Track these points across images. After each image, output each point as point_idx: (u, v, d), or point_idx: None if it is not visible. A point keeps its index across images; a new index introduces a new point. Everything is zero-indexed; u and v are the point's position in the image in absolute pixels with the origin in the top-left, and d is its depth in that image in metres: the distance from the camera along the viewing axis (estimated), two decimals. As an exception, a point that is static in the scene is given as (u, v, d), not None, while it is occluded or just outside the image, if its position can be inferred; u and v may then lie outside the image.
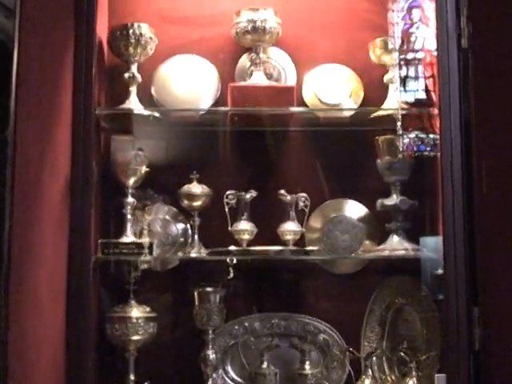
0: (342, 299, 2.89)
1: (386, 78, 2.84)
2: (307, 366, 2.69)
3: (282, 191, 2.79)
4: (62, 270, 2.49)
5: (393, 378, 2.75)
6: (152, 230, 2.86)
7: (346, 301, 2.89)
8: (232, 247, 2.74)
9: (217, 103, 2.89)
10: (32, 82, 2.19)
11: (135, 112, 2.79)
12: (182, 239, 2.85)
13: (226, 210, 2.76)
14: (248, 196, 2.78)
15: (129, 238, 2.76)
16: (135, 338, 2.69)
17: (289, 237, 2.77)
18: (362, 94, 2.91)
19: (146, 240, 2.74)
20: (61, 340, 2.46)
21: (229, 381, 2.81)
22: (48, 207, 2.35)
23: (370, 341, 2.82)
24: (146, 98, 2.90)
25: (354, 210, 2.90)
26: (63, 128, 2.52)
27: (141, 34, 2.79)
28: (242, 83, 2.85)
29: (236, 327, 2.83)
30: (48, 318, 2.31)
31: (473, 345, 2.50)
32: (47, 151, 2.34)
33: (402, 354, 2.67)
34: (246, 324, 2.83)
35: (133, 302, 2.74)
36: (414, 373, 2.63)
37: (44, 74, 2.33)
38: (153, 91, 2.92)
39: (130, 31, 2.78)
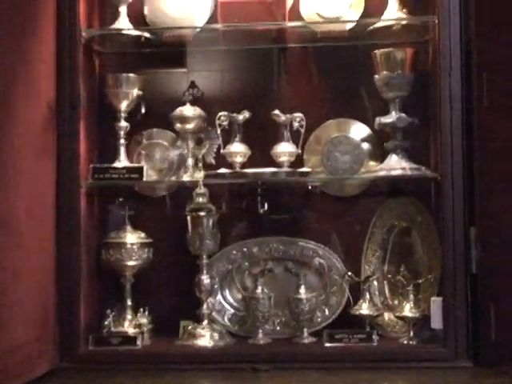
0: (343, 222, 2.80)
1: (385, -13, 2.67)
2: (302, 291, 2.62)
3: (276, 111, 2.68)
4: (47, 195, 2.48)
5: (395, 302, 2.66)
6: (149, 155, 2.80)
7: (347, 224, 2.80)
8: (222, 170, 2.66)
9: (211, 21, 2.76)
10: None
11: (124, 32, 2.70)
12: (178, 164, 2.78)
13: (218, 131, 2.68)
14: (241, 117, 2.69)
15: (121, 163, 2.71)
16: (130, 263, 2.67)
17: (283, 158, 2.67)
18: (362, 6, 2.74)
19: (136, 165, 2.69)
20: (49, 268, 2.47)
21: (227, 305, 2.77)
22: (26, 130, 2.31)
23: (372, 265, 2.73)
24: (139, 19, 2.81)
25: (355, 129, 2.78)
26: (44, 48, 2.46)
27: None
28: (233, -1, 2.72)
29: (234, 252, 2.78)
30: (28, 244, 2.29)
31: (470, 267, 2.40)
32: (20, 71, 2.28)
33: (400, 277, 2.56)
34: (244, 249, 2.77)
35: (128, 227, 2.71)
36: (411, 296, 2.53)
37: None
38: (145, 11, 2.82)
39: None
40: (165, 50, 2.80)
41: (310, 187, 2.75)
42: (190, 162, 2.74)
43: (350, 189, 2.81)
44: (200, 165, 2.67)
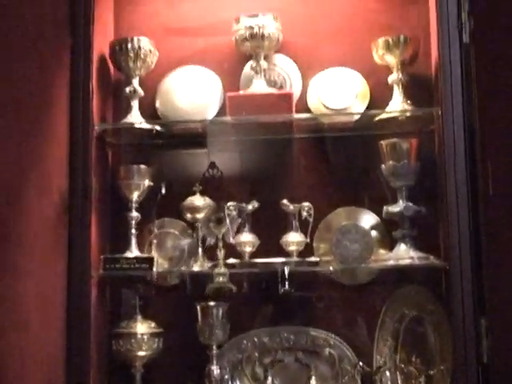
0: (354, 311, 2.79)
1: (390, 79, 2.73)
2: (313, 382, 2.60)
3: (285, 201, 2.71)
4: (58, 286, 2.50)
5: (409, 393, 2.63)
6: (160, 244, 2.84)
7: (358, 313, 2.78)
8: (231, 260, 2.68)
9: (221, 113, 2.84)
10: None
11: (136, 126, 2.78)
12: (188, 253, 2.81)
13: (227, 221, 2.71)
14: (250, 207, 2.73)
15: (133, 253, 2.75)
16: (141, 353, 2.67)
17: (292, 247, 2.70)
18: (368, 97, 2.80)
19: (147, 255, 2.73)
20: (58, 359, 2.47)
21: (238, 396, 2.76)
22: (38, 224, 2.36)
23: (383, 354, 2.70)
24: (151, 112, 2.90)
25: (364, 217, 2.80)
26: (57, 141, 2.53)
27: (139, 47, 2.77)
28: (241, 92, 2.80)
29: (244, 341, 2.77)
30: (38, 335, 2.31)
31: (481, 357, 2.37)
32: (33, 167, 2.35)
33: (412, 368, 2.53)
34: (255, 339, 2.76)
35: (138, 317, 2.72)
36: (423, 388, 2.50)
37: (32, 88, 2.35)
38: (157, 104, 2.91)
39: (129, 45, 2.77)
40: (176, 141, 2.87)
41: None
42: (200, 251, 2.76)
43: (360, 277, 2.81)
44: (220, 244, 2.70)
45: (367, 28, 2.86)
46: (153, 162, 2.86)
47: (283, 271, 2.67)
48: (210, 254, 2.76)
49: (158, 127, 2.78)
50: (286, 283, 2.67)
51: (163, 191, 2.83)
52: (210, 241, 2.76)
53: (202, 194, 2.78)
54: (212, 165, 2.86)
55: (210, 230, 2.74)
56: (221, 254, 2.68)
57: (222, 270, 2.64)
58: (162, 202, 2.85)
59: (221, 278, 2.64)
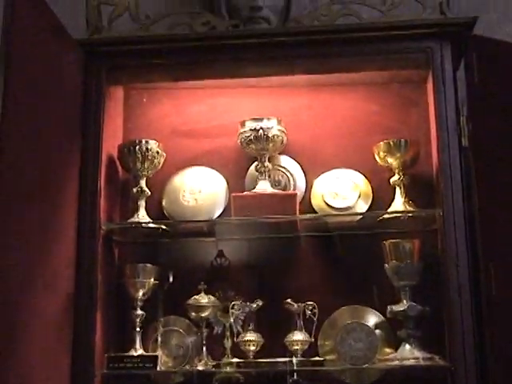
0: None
1: (392, 181, 2.79)
2: None
3: (289, 300, 2.73)
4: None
5: None
6: (165, 342, 2.84)
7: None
8: (235, 359, 2.68)
9: (226, 213, 2.89)
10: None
11: (144, 226, 2.83)
12: (193, 351, 2.81)
13: (232, 320, 2.72)
14: (254, 305, 2.74)
15: (137, 351, 2.75)
16: None
17: (296, 347, 2.70)
18: (371, 196, 2.87)
19: (151, 353, 2.73)
20: None
21: None
22: (42, 320, 2.37)
23: None
24: (158, 210, 2.96)
25: (369, 316, 2.81)
26: (64, 241, 2.57)
27: (147, 149, 2.86)
28: (245, 193, 2.86)
29: None
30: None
31: None
32: (40, 264, 2.38)
33: None
34: None
35: (142, 420, 2.70)
36: None
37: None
38: (164, 203, 2.97)
39: (137, 147, 2.86)
40: (182, 240, 2.92)
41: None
42: (205, 350, 2.76)
43: (365, 376, 2.79)
44: (228, 334, 2.71)
45: (369, 130, 2.95)
46: (159, 259, 2.90)
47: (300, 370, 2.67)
48: (217, 347, 2.77)
49: (164, 226, 2.83)
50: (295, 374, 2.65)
51: (170, 280, 2.84)
52: (218, 329, 2.76)
53: (207, 290, 2.80)
54: (220, 253, 2.91)
55: (218, 320, 2.75)
56: (228, 343, 2.70)
57: (230, 359, 2.67)
58: (168, 299, 2.86)
59: (228, 368, 2.66)
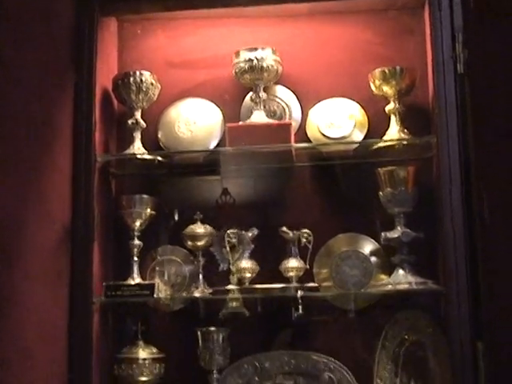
0: (354, 335, 2.81)
1: (387, 109, 2.79)
2: (313, 406, 2.62)
3: (284, 228, 2.76)
4: (59, 314, 2.54)
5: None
6: (162, 271, 2.88)
7: (358, 337, 2.80)
8: (230, 286, 2.72)
9: (221, 144, 2.90)
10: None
11: (138, 157, 2.84)
12: (190, 280, 2.85)
13: (227, 248, 2.75)
14: (249, 234, 2.77)
15: (135, 280, 2.79)
16: (142, 379, 2.71)
17: (291, 273, 2.73)
18: (366, 126, 2.86)
19: (148, 281, 2.77)
20: (61, 382, 2.51)
21: (239, 423, 2.77)
22: (39, 251, 2.41)
23: (384, 378, 2.71)
24: (154, 143, 2.96)
25: (364, 243, 2.84)
26: (59, 171, 2.59)
27: (141, 80, 2.85)
28: (240, 123, 2.86)
29: (245, 366, 2.79)
30: (40, 360, 2.34)
31: (479, 380, 2.39)
32: (36, 196, 2.40)
33: (411, 393, 2.55)
34: (256, 363, 2.78)
35: (140, 342, 2.76)
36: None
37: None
38: (159, 135, 2.97)
39: (131, 79, 2.85)
40: (177, 171, 2.93)
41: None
42: (201, 278, 2.80)
43: (360, 302, 2.83)
44: (233, 269, 2.74)
45: (365, 59, 2.93)
46: (155, 191, 2.92)
47: (296, 297, 2.69)
48: (213, 275, 2.81)
49: (159, 157, 2.84)
50: (300, 308, 2.68)
51: (176, 218, 2.87)
52: (223, 267, 2.80)
53: (204, 221, 2.82)
54: (224, 191, 2.92)
55: (223, 255, 2.78)
56: (234, 278, 2.74)
57: (236, 295, 2.69)
58: (165, 229, 2.91)
59: (234, 304, 2.70)
